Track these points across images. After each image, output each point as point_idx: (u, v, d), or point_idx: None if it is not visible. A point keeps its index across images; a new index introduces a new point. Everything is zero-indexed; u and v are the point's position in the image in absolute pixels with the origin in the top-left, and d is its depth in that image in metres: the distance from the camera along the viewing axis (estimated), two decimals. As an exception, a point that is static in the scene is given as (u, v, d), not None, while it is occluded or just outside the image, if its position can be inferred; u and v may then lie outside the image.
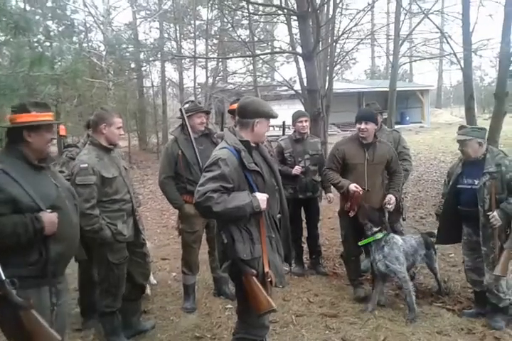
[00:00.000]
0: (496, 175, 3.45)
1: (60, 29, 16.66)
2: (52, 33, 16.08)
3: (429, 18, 10.07)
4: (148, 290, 4.22)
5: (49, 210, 2.27)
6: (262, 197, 2.52)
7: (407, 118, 25.95)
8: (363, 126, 3.98)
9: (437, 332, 3.48)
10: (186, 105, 4.13)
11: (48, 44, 14.64)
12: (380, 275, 3.92)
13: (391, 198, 4.04)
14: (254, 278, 2.50)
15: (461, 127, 3.74)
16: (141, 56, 16.17)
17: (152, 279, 4.29)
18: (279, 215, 2.77)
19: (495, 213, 3.41)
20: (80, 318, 3.83)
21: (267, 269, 2.54)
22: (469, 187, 3.60)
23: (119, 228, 3.17)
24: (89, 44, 17.25)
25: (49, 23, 16.02)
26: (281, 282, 2.69)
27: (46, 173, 2.42)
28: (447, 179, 3.94)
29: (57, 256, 2.31)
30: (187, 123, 3.90)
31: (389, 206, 4.04)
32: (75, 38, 16.80)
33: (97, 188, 3.08)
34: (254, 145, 2.70)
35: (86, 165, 3.06)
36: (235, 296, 2.77)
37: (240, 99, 2.83)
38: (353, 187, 3.92)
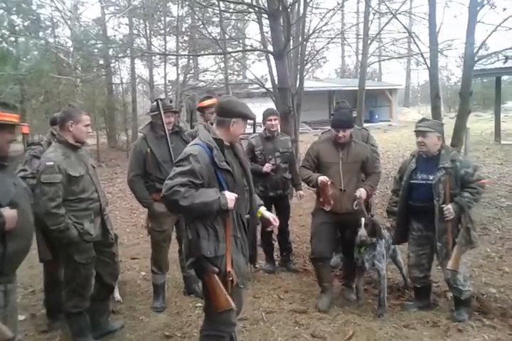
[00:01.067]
0: (450, 170, 3.54)
1: (26, 24, 16.23)
2: (17, 28, 15.64)
3: (397, 18, 10.22)
4: (117, 294, 4.17)
5: (8, 207, 2.30)
6: (230, 196, 2.52)
7: (376, 116, 26.46)
8: (341, 134, 3.93)
9: (404, 326, 3.56)
10: (155, 103, 4.08)
11: (12, 39, 14.24)
12: (359, 271, 3.97)
13: (361, 191, 3.92)
14: (215, 276, 2.51)
15: (422, 119, 3.80)
16: (110, 52, 15.90)
17: (117, 296, 4.18)
18: (247, 216, 2.76)
19: (449, 206, 3.49)
20: (46, 320, 3.75)
21: (229, 268, 2.54)
22: (423, 182, 3.65)
23: (85, 227, 3.11)
24: (56, 40, 16.88)
25: (14, 17, 15.58)
26: (243, 283, 2.69)
27: (6, 172, 2.47)
28: (398, 175, 3.99)
29: (13, 253, 2.35)
30: (163, 118, 3.85)
31: (357, 195, 3.88)
32: (41, 34, 16.38)
33: (64, 187, 3.01)
34: (227, 144, 2.69)
35: (52, 163, 2.99)
36: (203, 294, 2.76)
37: (220, 98, 2.85)
38: (321, 178, 3.88)
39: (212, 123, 4.50)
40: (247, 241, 2.73)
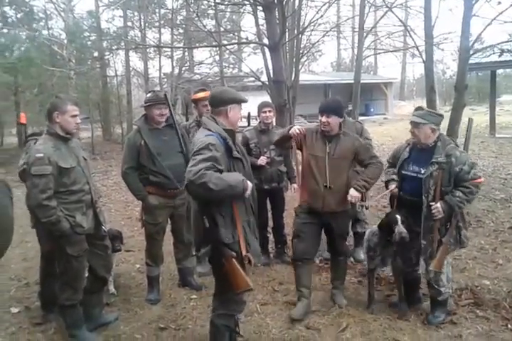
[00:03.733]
0: (444, 165, 3.26)
1: (19, 16, 16.04)
2: (10, 20, 15.46)
3: (392, 11, 10.21)
4: (111, 286, 4.17)
5: None
6: (250, 184, 2.69)
7: (372, 109, 26.50)
8: (324, 119, 3.54)
9: (398, 318, 3.57)
10: (149, 94, 4.05)
11: (5, 31, 14.08)
12: (372, 272, 3.82)
13: (352, 194, 3.48)
14: (234, 259, 2.67)
15: (418, 108, 3.53)
16: (104, 45, 15.76)
17: (112, 288, 4.17)
18: None
19: (438, 204, 3.25)
20: (40, 312, 3.74)
21: (244, 252, 2.69)
22: (414, 175, 3.41)
23: (77, 220, 3.09)
24: (50, 32, 16.69)
25: (6, 9, 15.40)
26: (259, 261, 2.93)
27: None
28: (390, 160, 3.73)
29: None
30: (171, 109, 3.85)
31: (348, 199, 3.50)
32: (34, 26, 16.19)
33: (54, 179, 2.99)
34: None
35: (42, 154, 2.97)
36: (213, 276, 2.91)
37: (211, 90, 2.98)
38: (295, 127, 3.59)
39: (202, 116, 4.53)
40: (255, 224, 2.90)
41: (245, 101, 2.87)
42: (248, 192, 2.68)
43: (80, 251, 3.16)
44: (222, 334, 2.86)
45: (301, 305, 3.68)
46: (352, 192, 3.49)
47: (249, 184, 2.69)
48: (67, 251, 3.09)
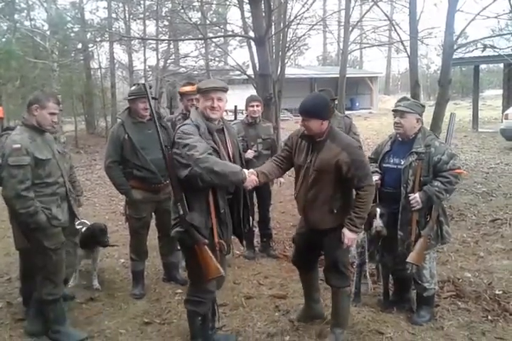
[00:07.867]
0: (423, 155, 3.23)
1: (0, 6, 15.69)
2: (-10, 10, 15.12)
3: (378, 5, 10.21)
4: (95, 281, 4.16)
5: None
6: (252, 176, 2.81)
7: (357, 104, 26.63)
8: (300, 122, 3.05)
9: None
10: (133, 87, 4.00)
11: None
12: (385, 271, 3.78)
13: (347, 238, 2.92)
14: (205, 246, 2.75)
15: (402, 98, 3.47)
16: (88, 36, 15.51)
17: (96, 283, 4.17)
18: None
19: (416, 195, 3.21)
20: (22, 308, 3.69)
21: (217, 239, 2.81)
22: (395, 166, 3.38)
23: (53, 212, 3.07)
24: (32, 23, 16.37)
25: (-14, -2, 15.05)
26: (227, 250, 2.98)
27: None
28: (373, 156, 3.64)
29: None
30: (150, 100, 3.78)
31: (348, 243, 2.96)
32: (16, 16, 15.86)
33: (31, 170, 2.96)
34: (219, 126, 2.93)
35: (19, 145, 2.93)
36: (186, 263, 3.03)
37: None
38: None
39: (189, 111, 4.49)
40: (229, 214, 2.93)
41: (203, 90, 2.83)
42: (248, 184, 2.75)
43: (57, 243, 3.12)
44: (192, 320, 2.98)
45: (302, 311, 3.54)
46: (347, 233, 2.92)
47: (252, 177, 2.79)
48: (44, 244, 3.06)
